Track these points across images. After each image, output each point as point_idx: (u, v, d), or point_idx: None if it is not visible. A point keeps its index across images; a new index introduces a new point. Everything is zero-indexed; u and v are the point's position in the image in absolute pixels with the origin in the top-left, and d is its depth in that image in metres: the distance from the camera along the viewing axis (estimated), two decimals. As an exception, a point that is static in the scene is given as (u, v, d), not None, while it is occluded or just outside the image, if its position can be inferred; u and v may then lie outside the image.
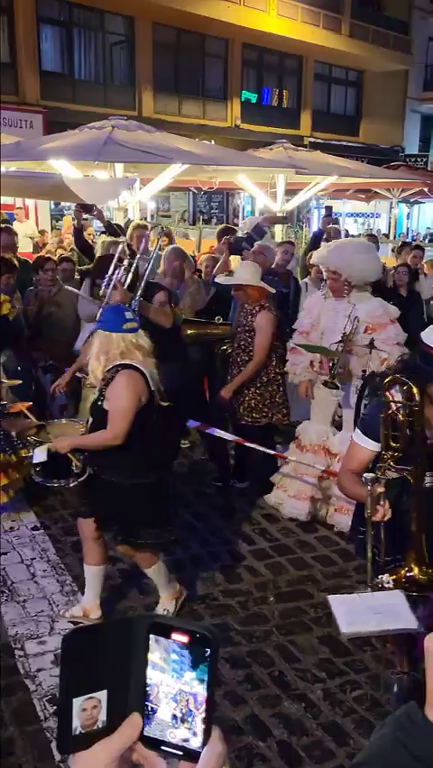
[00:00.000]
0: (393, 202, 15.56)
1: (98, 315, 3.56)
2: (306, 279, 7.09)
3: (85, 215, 6.35)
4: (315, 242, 7.00)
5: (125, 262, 4.60)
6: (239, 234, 7.05)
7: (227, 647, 3.48)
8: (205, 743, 0.65)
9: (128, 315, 3.38)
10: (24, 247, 9.58)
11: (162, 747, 0.66)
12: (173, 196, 19.25)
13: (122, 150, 7.07)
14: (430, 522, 2.52)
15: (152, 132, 7.88)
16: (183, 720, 0.65)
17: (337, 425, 4.90)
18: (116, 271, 4.50)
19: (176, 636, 0.66)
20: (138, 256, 4.87)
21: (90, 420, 3.45)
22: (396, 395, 2.57)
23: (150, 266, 4.81)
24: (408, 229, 22.04)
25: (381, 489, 2.49)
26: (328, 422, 4.85)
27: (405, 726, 0.66)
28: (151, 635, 0.67)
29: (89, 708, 0.66)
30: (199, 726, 0.65)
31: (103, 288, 4.49)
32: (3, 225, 7.26)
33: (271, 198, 9.70)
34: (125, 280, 4.55)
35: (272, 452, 4.94)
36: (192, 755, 0.65)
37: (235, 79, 20.37)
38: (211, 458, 5.56)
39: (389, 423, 2.57)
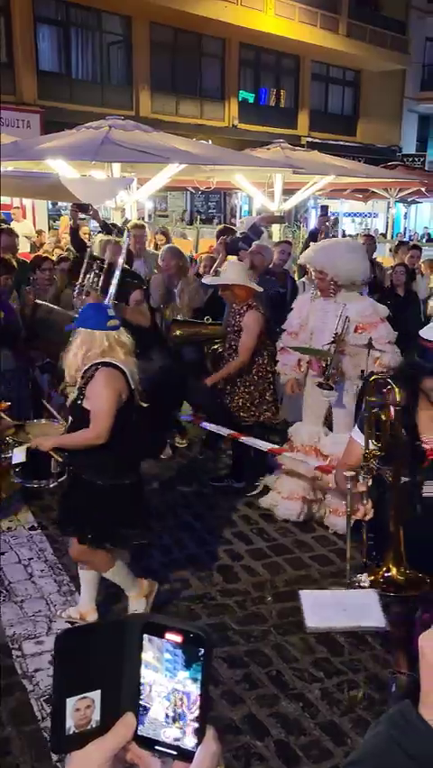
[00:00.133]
0: (391, 202, 15.56)
1: (78, 314, 3.50)
2: (303, 279, 7.09)
3: (81, 215, 6.35)
4: (311, 241, 7.01)
5: (95, 267, 4.57)
6: (237, 234, 7.06)
7: (225, 647, 3.48)
8: (199, 742, 0.65)
9: (110, 312, 3.37)
10: (21, 247, 9.56)
11: (156, 747, 0.66)
12: (171, 196, 19.24)
13: (119, 150, 7.07)
14: (428, 530, 2.51)
15: (150, 132, 7.88)
16: (177, 720, 0.65)
17: (330, 425, 4.89)
18: (87, 276, 4.47)
19: (169, 636, 0.65)
20: (114, 259, 4.81)
21: (70, 419, 3.40)
22: (391, 395, 2.58)
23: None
24: (405, 229, 22.06)
25: (363, 488, 2.50)
26: (320, 423, 4.83)
27: (399, 725, 0.66)
28: (144, 635, 0.67)
29: (83, 707, 0.66)
30: (193, 726, 0.65)
31: (75, 295, 4.47)
32: (4, 227, 7.25)
33: (268, 198, 9.70)
34: (98, 285, 4.52)
35: (267, 446, 4.92)
36: (186, 755, 0.65)
37: (233, 79, 20.37)
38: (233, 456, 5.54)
39: (372, 422, 2.59)
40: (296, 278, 7.39)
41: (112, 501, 3.29)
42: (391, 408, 2.51)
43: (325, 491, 4.82)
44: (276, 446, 5.16)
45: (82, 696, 0.66)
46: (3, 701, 3.07)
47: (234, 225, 10.88)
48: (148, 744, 0.67)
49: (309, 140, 20.84)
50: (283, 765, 2.80)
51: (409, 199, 17.12)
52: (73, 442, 3.29)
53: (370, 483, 2.56)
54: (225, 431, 4.93)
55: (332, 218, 18.43)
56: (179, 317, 5.73)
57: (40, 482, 3.61)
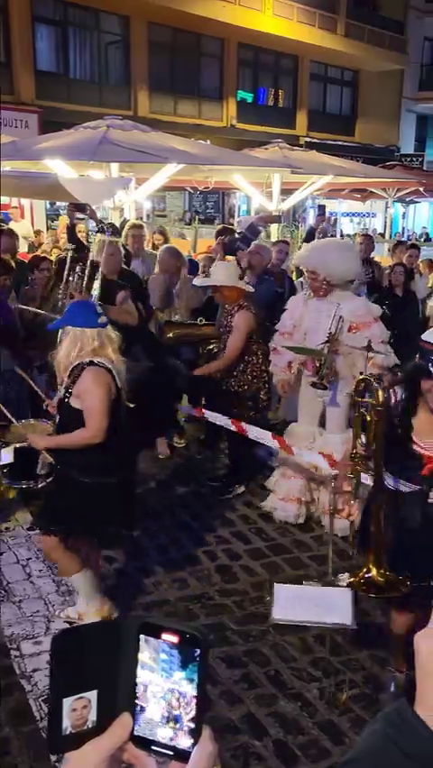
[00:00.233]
0: (389, 202, 15.58)
1: (65, 313, 3.42)
2: (301, 279, 7.09)
3: (78, 215, 6.35)
4: (309, 241, 7.01)
5: (78, 268, 4.55)
6: (236, 234, 7.06)
7: (223, 647, 3.48)
8: (195, 743, 0.65)
9: (98, 309, 3.35)
10: (20, 247, 9.55)
11: (153, 747, 0.66)
12: (169, 196, 19.23)
13: (117, 150, 7.07)
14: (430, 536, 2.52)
15: (148, 132, 7.88)
16: (173, 720, 0.65)
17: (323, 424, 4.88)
18: (70, 278, 4.45)
19: (166, 637, 0.65)
20: (96, 260, 4.77)
21: (58, 418, 3.38)
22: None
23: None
24: (403, 228, 22.08)
25: (348, 488, 2.52)
26: (315, 423, 4.82)
27: (395, 724, 0.66)
28: (141, 636, 0.67)
29: (79, 708, 0.66)
30: (189, 726, 0.65)
31: (60, 298, 4.46)
32: (4, 228, 7.23)
33: (266, 198, 9.70)
34: (81, 286, 4.50)
35: (268, 434, 4.88)
36: (182, 755, 0.65)
37: (231, 79, 20.37)
38: (230, 458, 5.54)
39: (359, 422, 2.61)
40: (294, 278, 7.39)
41: (99, 500, 3.26)
42: (375, 409, 2.52)
43: (320, 484, 4.81)
44: (270, 459, 5.17)
45: (79, 696, 0.66)
46: (1, 701, 3.07)
47: (233, 225, 10.88)
48: (144, 744, 0.67)
49: (308, 140, 20.85)
50: (282, 765, 2.80)
51: (407, 199, 17.14)
52: (70, 442, 3.26)
53: (355, 483, 2.57)
54: (224, 420, 4.88)
55: (332, 218, 18.47)
56: (176, 318, 5.73)
57: (28, 483, 3.59)
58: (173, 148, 7.67)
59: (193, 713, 0.65)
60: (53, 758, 2.74)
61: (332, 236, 14.97)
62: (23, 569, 4.14)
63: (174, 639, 0.65)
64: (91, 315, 3.24)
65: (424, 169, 20.89)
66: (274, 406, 6.03)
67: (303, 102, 22.78)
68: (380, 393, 2.51)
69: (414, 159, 23.08)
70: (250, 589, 4.04)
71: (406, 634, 2.85)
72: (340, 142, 22.49)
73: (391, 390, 2.65)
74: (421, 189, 13.89)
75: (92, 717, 0.67)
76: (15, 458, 3.41)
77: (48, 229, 12.91)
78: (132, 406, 3.35)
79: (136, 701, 0.67)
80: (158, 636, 0.66)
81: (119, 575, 4.11)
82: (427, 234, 21.00)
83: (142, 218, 11.96)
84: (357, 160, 15.03)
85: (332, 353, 4.34)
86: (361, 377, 2.65)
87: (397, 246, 9.52)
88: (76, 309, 3.33)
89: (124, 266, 5.57)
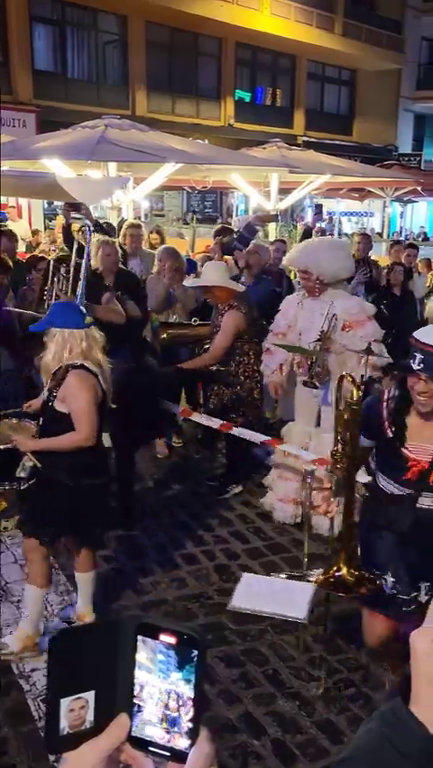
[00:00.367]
0: (387, 201, 15.59)
1: (50, 314, 3.35)
2: (298, 278, 7.09)
3: (74, 214, 6.34)
4: (306, 239, 7.00)
5: (62, 270, 4.53)
6: (234, 234, 7.06)
7: (222, 646, 3.48)
8: (192, 744, 0.65)
9: (82, 309, 3.33)
10: (17, 247, 9.54)
11: (150, 748, 0.66)
12: (167, 196, 19.23)
13: (115, 150, 7.06)
14: (422, 541, 2.50)
15: (146, 132, 7.87)
16: (170, 721, 0.66)
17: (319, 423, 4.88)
18: (55, 279, 4.44)
19: (163, 637, 0.66)
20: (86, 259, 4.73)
21: (41, 420, 3.35)
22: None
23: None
24: (401, 228, 22.10)
25: (328, 485, 2.52)
26: (312, 423, 4.81)
27: (390, 723, 0.66)
28: (139, 636, 0.67)
29: (77, 708, 0.66)
30: (187, 727, 0.65)
31: (46, 300, 4.44)
32: (4, 229, 7.23)
33: (264, 197, 9.70)
34: (67, 288, 4.49)
35: (261, 438, 4.89)
36: (180, 756, 0.65)
37: (229, 78, 20.37)
38: (228, 459, 5.54)
39: (340, 420, 2.61)
40: (291, 278, 7.39)
41: (85, 502, 3.23)
42: (350, 408, 2.52)
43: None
44: (269, 438, 5.16)
45: (76, 696, 0.66)
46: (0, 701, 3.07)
47: (231, 225, 10.89)
48: (141, 744, 0.67)
49: (306, 139, 20.85)
50: (280, 764, 2.80)
51: (405, 198, 17.14)
52: (59, 445, 3.21)
53: (335, 480, 2.58)
54: (215, 423, 4.88)
55: (335, 217, 18.47)
56: (174, 318, 5.73)
57: (11, 484, 3.57)
58: (171, 147, 7.66)
59: (191, 714, 0.65)
60: (51, 758, 2.74)
61: (330, 235, 15.02)
62: (21, 569, 4.14)
63: (172, 640, 0.65)
64: (78, 317, 3.21)
65: (422, 168, 20.92)
66: (271, 406, 6.02)
67: (301, 101, 22.79)
68: (354, 391, 2.52)
69: (412, 158, 23.11)
70: (248, 589, 4.04)
71: (404, 633, 2.84)
72: (338, 142, 22.50)
73: (386, 390, 2.64)
74: (419, 189, 13.90)
75: (90, 717, 0.67)
76: None
77: (45, 229, 12.91)
78: (114, 407, 3.32)
79: (134, 702, 0.67)
80: (155, 637, 0.66)
81: (117, 574, 4.11)
82: (424, 234, 21.01)
83: (140, 218, 11.97)
84: (355, 160, 15.03)
85: (324, 352, 4.33)
86: (343, 374, 2.65)
87: (393, 245, 9.52)
88: (61, 310, 3.28)
89: (122, 266, 5.57)
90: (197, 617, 3.72)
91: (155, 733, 0.66)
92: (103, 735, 0.67)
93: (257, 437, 4.81)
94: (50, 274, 4.58)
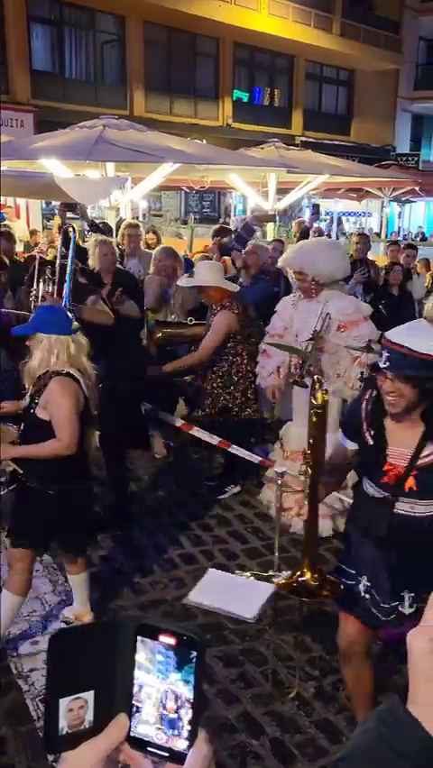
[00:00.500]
0: (385, 201, 15.61)
1: (35, 318, 3.27)
2: (294, 279, 7.09)
3: (69, 214, 6.33)
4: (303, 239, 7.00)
5: (48, 271, 4.50)
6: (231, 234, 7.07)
7: (220, 646, 3.48)
8: (191, 745, 0.65)
9: (68, 314, 3.27)
10: (16, 247, 9.54)
11: (149, 748, 0.67)
12: (165, 196, 19.25)
13: (113, 150, 7.06)
14: (411, 551, 2.46)
15: (144, 132, 7.88)
16: (169, 721, 0.66)
17: None
18: (41, 281, 4.41)
19: (163, 639, 0.66)
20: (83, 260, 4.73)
21: (23, 425, 3.30)
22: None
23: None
24: (399, 228, 22.13)
25: (298, 487, 2.52)
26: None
27: (387, 722, 0.66)
28: (138, 637, 0.67)
29: (76, 708, 0.66)
30: (185, 728, 0.65)
31: (32, 302, 4.42)
32: (3, 230, 7.22)
33: (262, 197, 9.71)
34: (53, 289, 4.46)
35: (257, 459, 4.89)
36: (178, 757, 0.65)
37: (227, 78, 20.38)
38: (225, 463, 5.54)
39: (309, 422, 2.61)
40: (289, 278, 7.39)
41: (67, 508, 3.21)
42: (315, 411, 2.52)
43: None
44: (269, 447, 5.18)
45: (75, 696, 0.66)
46: (-2, 702, 3.07)
47: (229, 225, 10.88)
48: (140, 745, 0.67)
49: (303, 139, 20.88)
50: (279, 764, 2.81)
51: (403, 198, 17.18)
52: (40, 453, 3.15)
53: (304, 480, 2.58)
54: (214, 440, 4.88)
55: (336, 217, 18.48)
56: (173, 317, 5.73)
57: None
58: (169, 147, 7.66)
59: (189, 715, 0.65)
60: (50, 758, 2.74)
61: (328, 236, 15.02)
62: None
63: (171, 641, 0.65)
64: (66, 323, 3.15)
65: (419, 168, 20.94)
66: (269, 406, 6.02)
67: (299, 101, 22.81)
68: (319, 395, 2.52)
69: (410, 158, 23.13)
70: (247, 589, 4.04)
71: (402, 633, 2.83)
72: (336, 142, 22.53)
73: (367, 391, 2.60)
74: (417, 189, 13.91)
75: (89, 717, 0.67)
76: None
77: (44, 229, 12.90)
78: (95, 412, 3.28)
79: (133, 702, 0.67)
80: (155, 638, 0.66)
81: (116, 574, 4.11)
82: (423, 234, 21.05)
83: (138, 218, 11.96)
84: (353, 160, 15.05)
85: (316, 351, 4.31)
86: (316, 378, 2.66)
87: (390, 246, 9.53)
88: (47, 315, 3.20)
89: (120, 266, 5.57)
90: (195, 617, 3.71)
91: (154, 733, 0.66)
92: (102, 735, 0.67)
93: (254, 457, 4.82)
94: (36, 276, 4.55)
